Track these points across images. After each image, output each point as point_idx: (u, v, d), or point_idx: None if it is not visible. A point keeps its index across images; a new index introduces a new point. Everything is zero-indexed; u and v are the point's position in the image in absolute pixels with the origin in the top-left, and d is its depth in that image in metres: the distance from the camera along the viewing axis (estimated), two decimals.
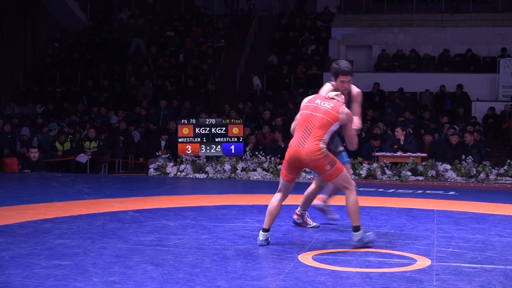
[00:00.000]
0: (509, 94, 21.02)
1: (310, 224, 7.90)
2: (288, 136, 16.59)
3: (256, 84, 22.66)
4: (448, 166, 14.08)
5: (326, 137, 6.69)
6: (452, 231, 7.81)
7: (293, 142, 6.78)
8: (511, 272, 5.86)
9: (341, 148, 7.50)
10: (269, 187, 12.79)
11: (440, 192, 12.11)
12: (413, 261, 6.21)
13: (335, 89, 7.27)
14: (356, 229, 6.70)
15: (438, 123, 18.63)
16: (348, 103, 7.35)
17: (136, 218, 8.51)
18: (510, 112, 19.51)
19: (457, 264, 6.15)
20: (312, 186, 7.72)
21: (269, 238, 6.83)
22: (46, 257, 6.11)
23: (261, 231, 6.84)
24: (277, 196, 6.94)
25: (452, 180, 13.92)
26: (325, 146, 6.66)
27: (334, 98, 6.94)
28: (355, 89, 7.54)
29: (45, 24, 26.20)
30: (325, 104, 6.81)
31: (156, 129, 18.95)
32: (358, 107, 7.49)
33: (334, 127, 6.73)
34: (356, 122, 7.21)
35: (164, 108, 19.53)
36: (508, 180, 13.97)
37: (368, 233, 6.81)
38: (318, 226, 7.90)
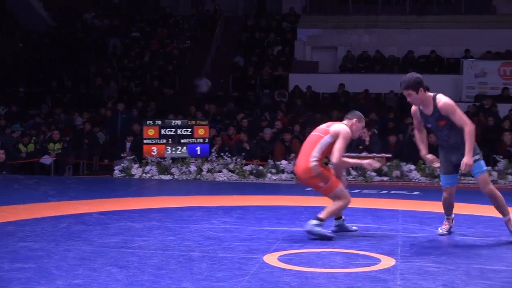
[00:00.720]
0: (472, 95, 21.25)
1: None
2: (254, 137, 16.63)
3: (204, 87, 21.97)
4: (413, 167, 14.18)
5: (316, 153, 7.01)
6: (417, 231, 7.87)
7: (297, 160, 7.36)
8: (474, 271, 5.93)
9: (477, 157, 7.24)
10: (235, 188, 12.81)
11: (404, 192, 12.20)
12: (378, 261, 6.25)
13: None
14: (319, 219, 7.07)
15: (403, 123, 18.75)
16: (435, 115, 7.18)
17: (101, 220, 8.45)
18: (473, 112, 19.71)
19: (421, 264, 6.20)
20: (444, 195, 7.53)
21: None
22: (9, 260, 6.05)
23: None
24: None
25: (417, 180, 14.02)
26: (316, 163, 7.00)
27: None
28: (440, 101, 7.18)
29: (9, 24, 25.90)
30: (325, 125, 7.27)
31: (115, 134, 18.62)
32: (454, 116, 7.10)
33: (325, 140, 7.06)
34: (469, 125, 7.02)
35: (122, 112, 19.22)
36: (471, 180, 14.08)
37: (324, 231, 7.17)
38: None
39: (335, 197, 7.15)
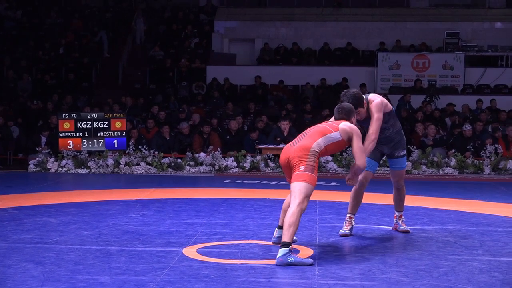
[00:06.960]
0: (386, 87, 21.68)
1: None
2: (171, 129, 16.53)
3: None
4: (329, 158, 14.36)
5: (321, 141, 6.37)
6: (334, 221, 7.99)
7: (286, 145, 6.58)
8: (390, 259, 6.06)
9: (404, 152, 7.38)
10: (153, 181, 12.73)
11: (322, 183, 12.33)
12: (296, 251, 6.31)
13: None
14: (284, 244, 5.94)
15: (319, 115, 18.93)
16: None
17: (16, 215, 8.28)
18: None
19: (339, 253, 6.30)
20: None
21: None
22: None
23: (276, 228, 6.75)
24: (289, 196, 6.58)
25: (333, 171, 14.21)
26: (317, 151, 6.32)
27: None
28: (372, 102, 7.13)
29: None
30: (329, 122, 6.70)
31: None
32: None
33: (333, 135, 6.46)
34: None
35: None
36: (386, 170, 14.38)
37: (304, 259, 5.98)
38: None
39: (296, 191, 6.20)
